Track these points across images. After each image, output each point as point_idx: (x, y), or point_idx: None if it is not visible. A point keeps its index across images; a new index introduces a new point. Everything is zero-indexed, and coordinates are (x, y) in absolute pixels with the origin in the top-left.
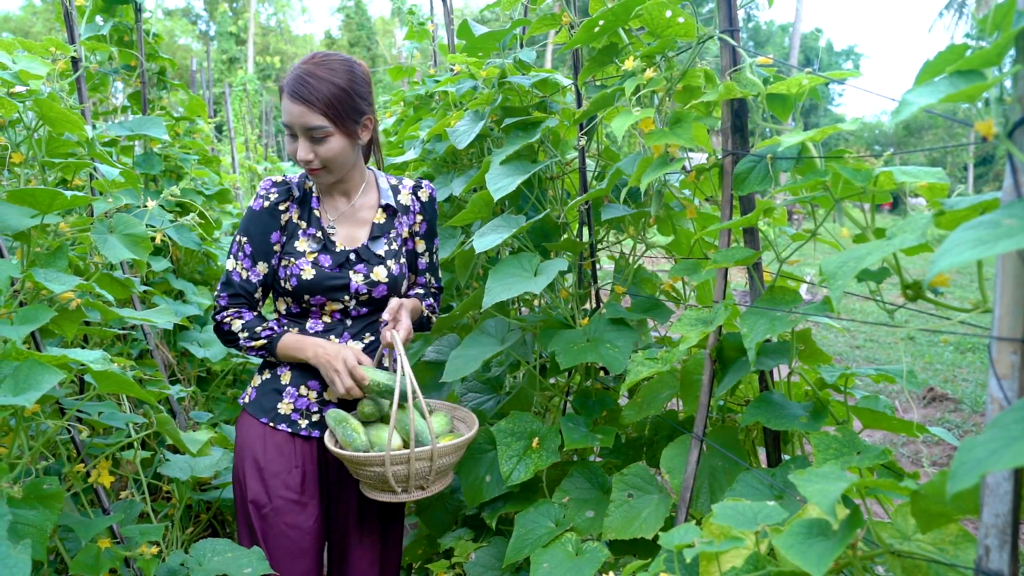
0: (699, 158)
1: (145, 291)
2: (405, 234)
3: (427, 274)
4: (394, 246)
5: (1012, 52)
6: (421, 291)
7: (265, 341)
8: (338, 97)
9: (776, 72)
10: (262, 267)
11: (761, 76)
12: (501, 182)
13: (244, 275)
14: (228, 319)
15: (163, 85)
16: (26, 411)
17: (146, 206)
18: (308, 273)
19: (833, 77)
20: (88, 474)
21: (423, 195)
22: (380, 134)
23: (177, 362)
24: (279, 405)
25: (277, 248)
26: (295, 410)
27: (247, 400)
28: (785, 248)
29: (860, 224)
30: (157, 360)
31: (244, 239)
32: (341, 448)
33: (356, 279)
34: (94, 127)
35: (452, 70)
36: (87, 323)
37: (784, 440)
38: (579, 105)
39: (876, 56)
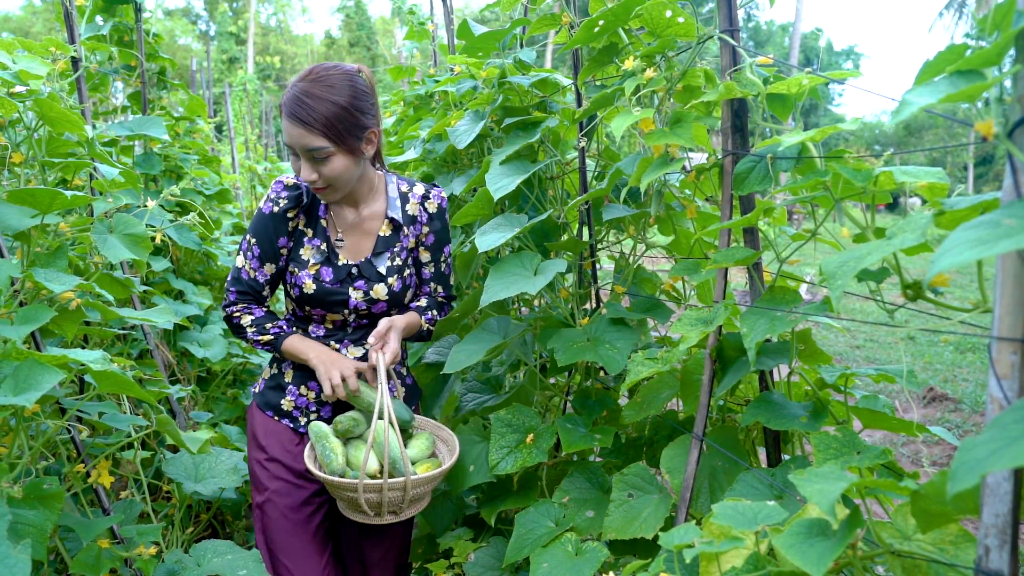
0: (699, 158)
1: (145, 291)
2: (411, 244)
3: (432, 283)
4: (397, 261)
5: (1012, 52)
6: (424, 302)
7: (272, 337)
8: (338, 116)
9: (776, 72)
10: (269, 268)
11: (761, 76)
12: (501, 182)
13: (252, 274)
14: (238, 314)
15: (163, 85)
16: (26, 411)
17: (146, 206)
18: (309, 287)
19: (833, 77)
20: (88, 474)
21: (431, 207)
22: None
23: (177, 362)
24: (282, 401)
25: (284, 252)
26: (296, 407)
27: (256, 391)
28: (785, 248)
29: (860, 224)
30: (157, 360)
31: (253, 240)
32: (319, 467)
33: (355, 296)
34: (94, 127)
35: (452, 70)
36: (87, 323)
37: (784, 440)
38: (579, 105)
39: (876, 56)
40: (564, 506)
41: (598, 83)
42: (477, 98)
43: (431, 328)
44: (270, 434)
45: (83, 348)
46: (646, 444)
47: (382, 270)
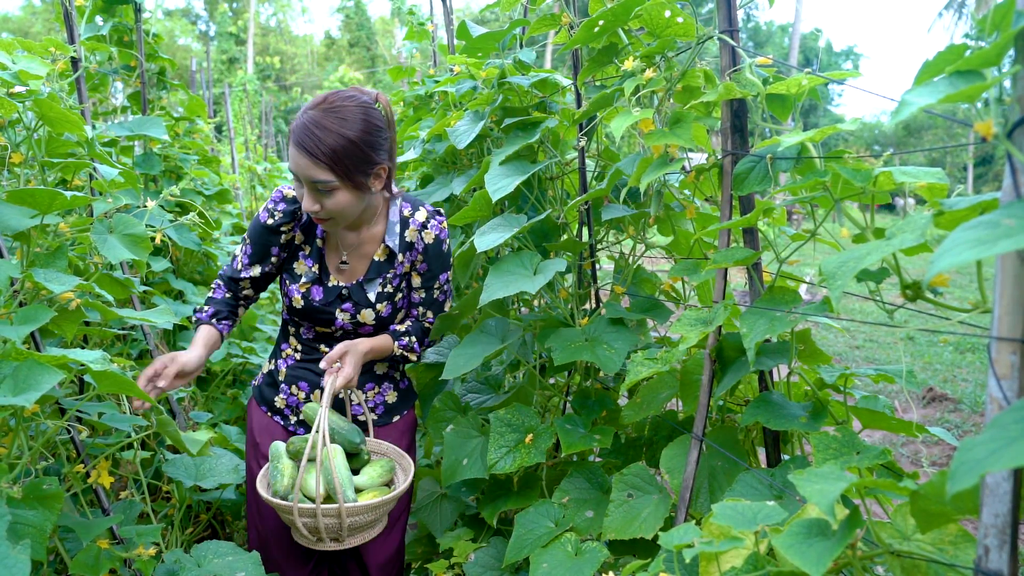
0: (699, 158)
1: (145, 291)
2: (406, 269)
3: (421, 308)
4: (389, 288)
5: (1011, 52)
6: (403, 327)
7: (195, 320)
8: (347, 151)
9: (776, 72)
10: (256, 270)
11: (761, 76)
12: (500, 182)
13: (239, 267)
14: (213, 285)
15: (163, 85)
16: (26, 411)
17: (146, 206)
18: (297, 302)
19: (832, 77)
20: (88, 474)
21: (427, 237)
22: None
23: None
24: (276, 398)
25: (275, 261)
26: (287, 406)
27: (256, 384)
28: (785, 248)
29: (860, 224)
30: None
31: (248, 241)
32: (267, 486)
33: (342, 317)
34: (94, 127)
35: (452, 70)
36: (87, 323)
37: (784, 440)
38: (579, 105)
39: (875, 56)
40: (564, 506)
41: (598, 83)
42: (477, 98)
43: (407, 355)
44: (264, 431)
45: (83, 348)
46: (646, 444)
47: (371, 296)
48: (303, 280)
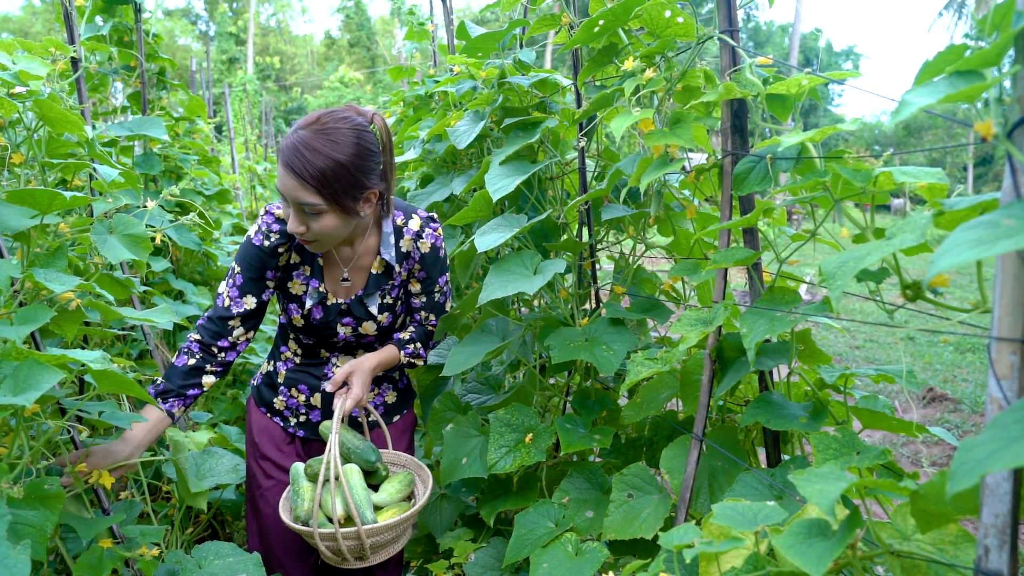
0: (699, 158)
1: (145, 291)
2: (404, 278)
3: (424, 312)
4: (388, 299)
5: (1011, 52)
6: (407, 334)
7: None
8: (336, 175)
9: (776, 72)
10: (249, 301)
11: (761, 76)
12: (500, 182)
13: (227, 303)
14: (183, 348)
15: (163, 85)
16: (26, 411)
17: (146, 206)
18: (297, 321)
19: (833, 77)
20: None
21: (424, 246)
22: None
23: None
24: (275, 400)
25: (271, 284)
26: (287, 408)
27: (255, 384)
28: (785, 248)
29: (860, 224)
30: (157, 360)
31: (238, 269)
32: (290, 510)
33: (344, 331)
34: (94, 127)
35: (452, 70)
36: (87, 323)
37: (784, 440)
38: (579, 105)
39: (876, 56)
40: (564, 506)
41: (598, 83)
42: (477, 98)
43: (413, 361)
44: (263, 431)
45: (83, 349)
46: (646, 444)
47: (373, 309)
48: (307, 302)
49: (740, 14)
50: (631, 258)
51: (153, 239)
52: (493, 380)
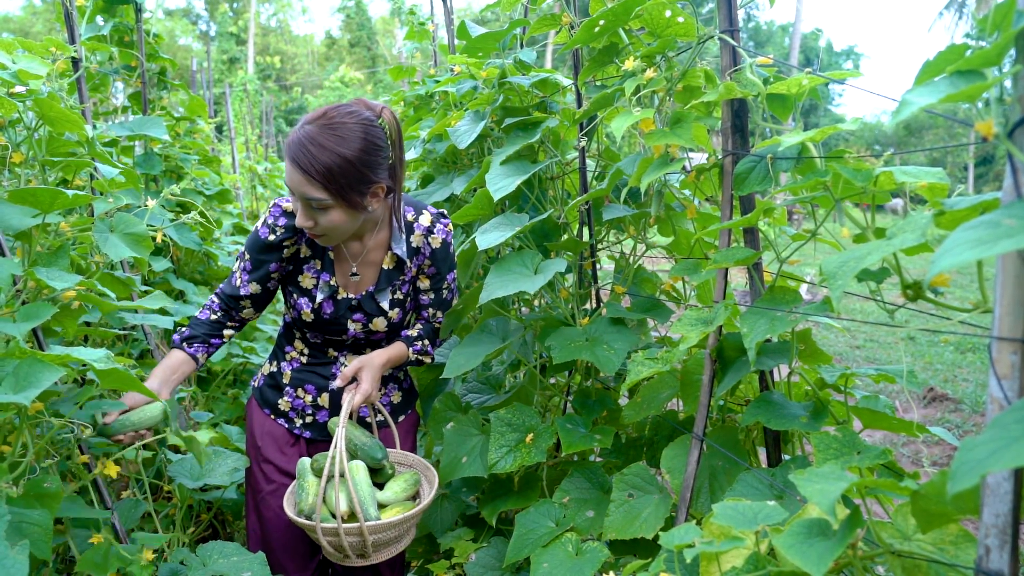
0: (699, 158)
1: (146, 291)
2: (414, 273)
3: (431, 309)
4: (399, 295)
5: (1012, 52)
6: (415, 331)
7: (172, 340)
8: (343, 170)
9: (776, 72)
10: (254, 287)
11: (761, 76)
12: (501, 182)
13: (237, 284)
14: (205, 303)
15: (163, 85)
16: (29, 409)
17: (146, 206)
18: (307, 315)
19: (833, 77)
20: (90, 468)
21: (434, 241)
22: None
23: None
24: (279, 401)
25: (275, 276)
26: (292, 409)
27: (255, 385)
28: (785, 248)
29: (860, 224)
30: (158, 360)
31: (247, 256)
32: (295, 504)
33: (354, 327)
34: (94, 127)
35: (452, 70)
36: (88, 323)
37: (784, 440)
38: (579, 105)
39: (876, 56)
40: (564, 506)
41: (598, 83)
42: (477, 98)
43: (422, 359)
44: (266, 434)
45: (85, 348)
46: (646, 444)
47: (384, 305)
48: (318, 296)
49: (740, 14)
50: (632, 258)
51: (154, 238)
52: (494, 380)
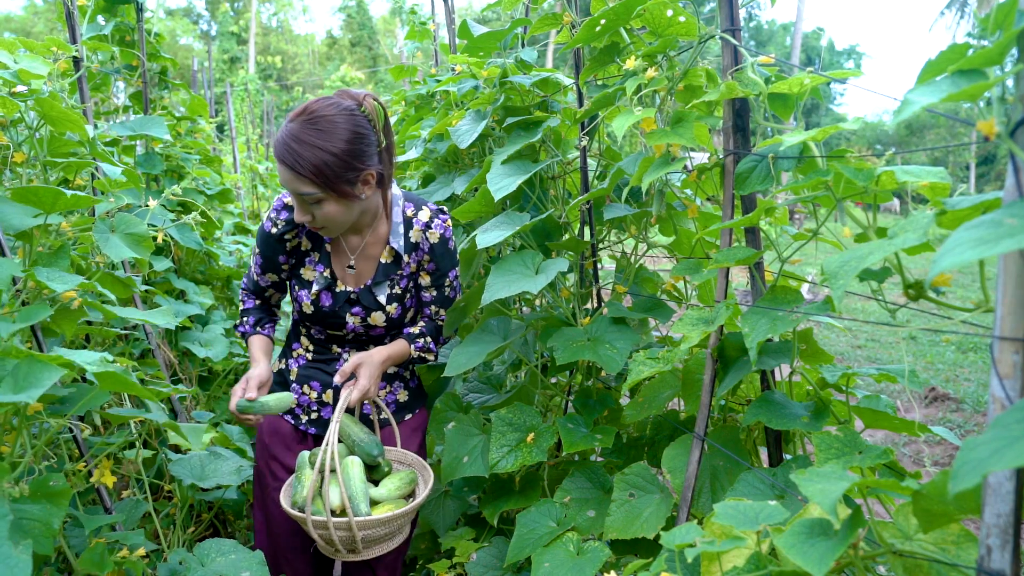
0: (700, 157)
1: (147, 291)
2: (413, 269)
3: (434, 307)
4: (397, 289)
5: (1014, 51)
6: (418, 328)
7: (242, 332)
8: (327, 163)
9: (778, 71)
10: (271, 276)
11: (763, 75)
12: (502, 182)
13: (254, 277)
14: (242, 298)
15: (164, 85)
16: (29, 409)
17: (148, 205)
18: (307, 307)
19: (835, 76)
20: (90, 473)
21: (432, 236)
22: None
23: (179, 362)
24: None
25: (286, 267)
26: (298, 405)
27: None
28: (787, 248)
29: (862, 223)
30: (159, 360)
31: (257, 251)
32: (289, 496)
33: (352, 321)
34: (96, 127)
35: (454, 70)
36: (88, 323)
37: (786, 440)
38: (580, 105)
39: (878, 55)
40: (565, 506)
41: (599, 83)
42: (478, 98)
43: (424, 356)
44: (274, 433)
45: (85, 348)
46: (647, 444)
47: (382, 299)
48: (314, 287)
49: (742, 13)
50: (633, 257)
51: (155, 238)
52: (495, 379)
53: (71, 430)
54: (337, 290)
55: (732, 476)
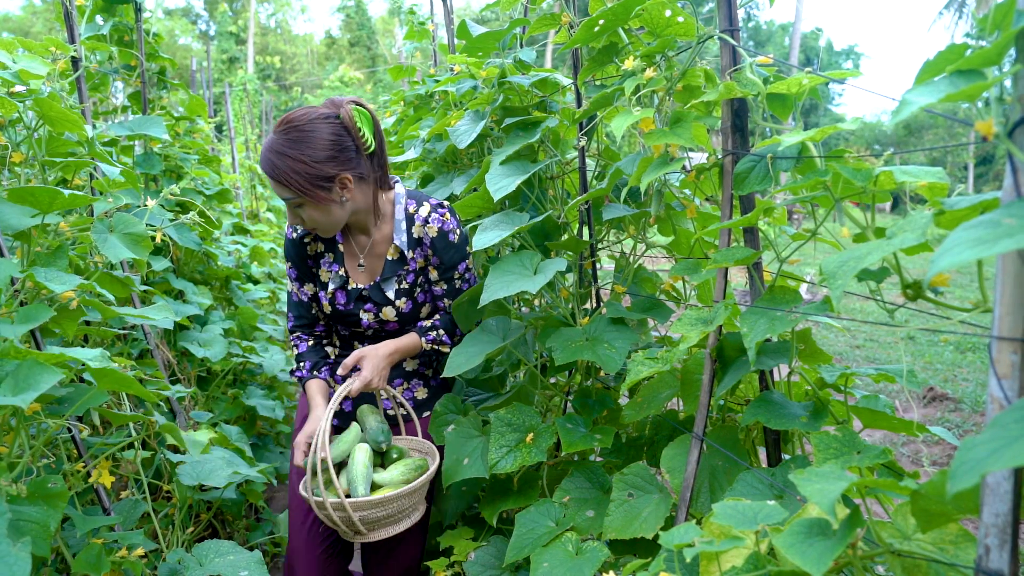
0: (699, 158)
1: (145, 291)
2: (420, 265)
3: (446, 299)
4: (405, 284)
5: (1012, 52)
6: (430, 322)
7: (297, 379)
8: (299, 171)
9: (776, 72)
10: (309, 287)
11: (761, 76)
12: (501, 182)
13: (295, 298)
14: (293, 342)
15: (163, 85)
16: (27, 409)
17: (146, 205)
18: (326, 308)
19: (833, 77)
20: (88, 474)
21: (431, 231)
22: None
23: (177, 362)
24: None
25: (315, 271)
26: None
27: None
28: (785, 248)
29: (860, 224)
30: (157, 360)
31: (288, 264)
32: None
33: (366, 317)
34: (94, 127)
35: (452, 70)
36: (87, 323)
37: (784, 440)
38: (579, 105)
39: (876, 56)
40: (564, 506)
41: (598, 83)
42: (477, 98)
43: (437, 348)
44: (307, 420)
45: (83, 347)
46: (646, 444)
47: (390, 294)
48: (331, 286)
49: (740, 13)
50: (632, 257)
51: (153, 238)
52: (494, 379)
53: (69, 430)
54: (350, 287)
55: (731, 476)
